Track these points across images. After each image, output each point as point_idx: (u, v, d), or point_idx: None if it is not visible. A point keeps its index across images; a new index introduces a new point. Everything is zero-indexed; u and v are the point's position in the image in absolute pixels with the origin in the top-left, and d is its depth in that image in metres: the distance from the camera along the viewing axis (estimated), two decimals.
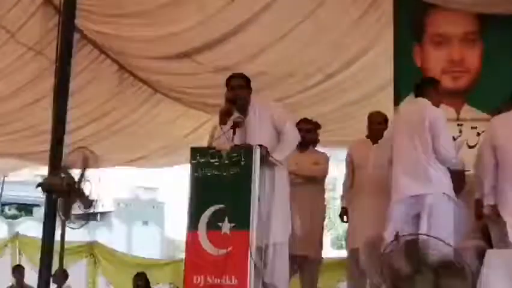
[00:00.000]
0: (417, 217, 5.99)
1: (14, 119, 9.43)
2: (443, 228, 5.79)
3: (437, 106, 6.29)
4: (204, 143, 8.64)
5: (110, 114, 9.92)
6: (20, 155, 10.93)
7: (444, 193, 5.99)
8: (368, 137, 7.34)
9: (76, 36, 7.54)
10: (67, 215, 5.32)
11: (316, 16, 8.06)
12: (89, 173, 5.64)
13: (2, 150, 10.58)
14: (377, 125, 7.23)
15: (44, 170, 6.04)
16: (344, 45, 8.48)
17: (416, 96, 6.38)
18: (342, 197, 7.48)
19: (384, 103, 8.19)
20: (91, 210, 5.70)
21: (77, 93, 8.56)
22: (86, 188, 5.49)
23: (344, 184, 7.45)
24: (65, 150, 5.66)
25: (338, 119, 9.69)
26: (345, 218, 7.38)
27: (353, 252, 7.14)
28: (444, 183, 6.03)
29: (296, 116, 7.70)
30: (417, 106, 6.27)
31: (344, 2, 8.09)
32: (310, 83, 9.14)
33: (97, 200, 5.60)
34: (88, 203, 5.44)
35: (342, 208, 7.41)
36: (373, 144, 7.23)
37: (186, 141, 10.89)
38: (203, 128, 10.60)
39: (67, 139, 5.62)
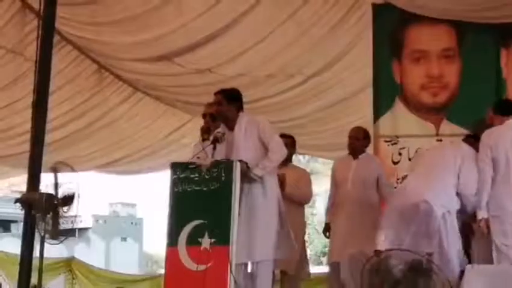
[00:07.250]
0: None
1: None
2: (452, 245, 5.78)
3: None
4: (186, 142, 8.56)
5: (90, 112, 9.83)
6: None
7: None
8: (349, 153, 7.36)
9: (55, 37, 7.56)
10: (46, 231, 5.28)
11: (296, 18, 8.08)
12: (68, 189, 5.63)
13: None
14: (354, 140, 7.23)
15: (23, 186, 6.00)
16: (324, 46, 8.49)
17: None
18: (326, 212, 7.47)
19: (365, 103, 8.18)
20: (70, 226, 5.67)
21: (56, 93, 8.47)
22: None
23: (328, 200, 7.44)
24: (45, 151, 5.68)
25: (318, 120, 9.71)
26: (327, 234, 7.36)
27: (333, 266, 7.15)
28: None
29: (278, 115, 7.63)
30: None
31: (325, 4, 8.10)
32: (291, 84, 9.14)
33: (76, 216, 5.57)
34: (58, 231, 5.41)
35: (326, 224, 7.41)
36: (354, 159, 7.24)
37: (169, 140, 10.84)
38: (185, 127, 10.50)
39: (47, 138, 5.62)
